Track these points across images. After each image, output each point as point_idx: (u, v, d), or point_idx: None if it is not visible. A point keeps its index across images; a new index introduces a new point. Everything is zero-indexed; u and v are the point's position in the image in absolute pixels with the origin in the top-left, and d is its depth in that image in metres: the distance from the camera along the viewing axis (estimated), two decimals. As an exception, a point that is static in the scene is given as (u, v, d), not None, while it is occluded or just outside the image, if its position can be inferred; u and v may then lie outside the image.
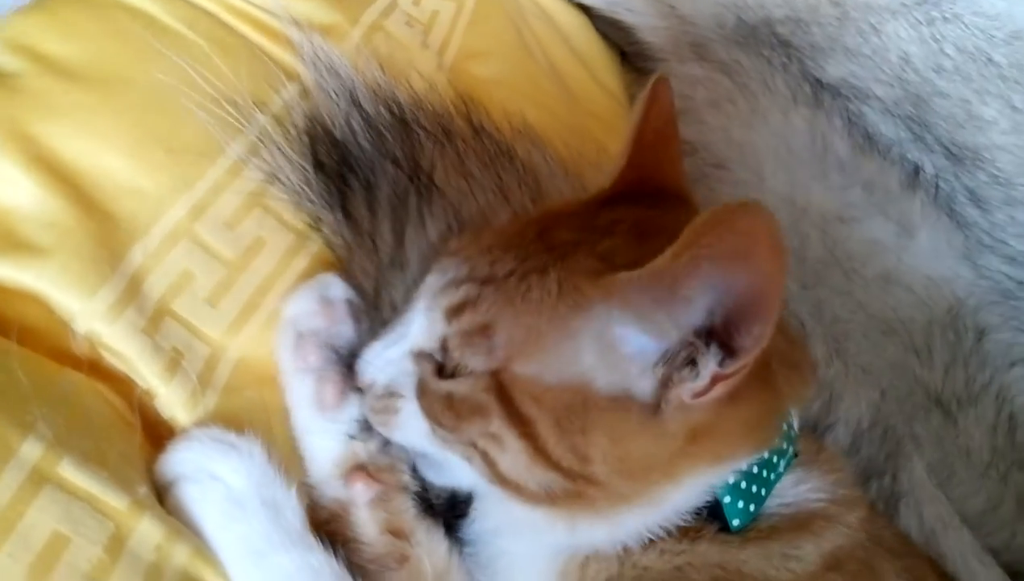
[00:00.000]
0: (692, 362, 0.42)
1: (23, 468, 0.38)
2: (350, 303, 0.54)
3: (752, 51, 0.83)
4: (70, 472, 0.39)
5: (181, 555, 0.42)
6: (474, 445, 0.45)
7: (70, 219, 0.48)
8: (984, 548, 0.66)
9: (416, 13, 0.77)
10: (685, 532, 0.46)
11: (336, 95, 0.64)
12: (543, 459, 0.43)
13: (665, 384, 0.43)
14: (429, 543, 0.50)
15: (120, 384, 0.48)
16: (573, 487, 0.44)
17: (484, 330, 0.45)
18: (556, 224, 0.50)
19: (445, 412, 0.45)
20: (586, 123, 0.85)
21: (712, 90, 0.84)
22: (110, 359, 0.47)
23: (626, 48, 0.99)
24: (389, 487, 0.51)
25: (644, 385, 0.43)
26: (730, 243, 0.38)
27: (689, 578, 0.46)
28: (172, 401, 0.48)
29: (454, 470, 0.49)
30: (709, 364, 0.42)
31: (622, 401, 0.43)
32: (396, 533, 0.50)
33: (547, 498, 0.44)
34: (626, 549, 0.46)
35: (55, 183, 0.49)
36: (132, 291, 0.49)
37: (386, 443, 0.52)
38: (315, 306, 0.53)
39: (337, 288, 0.55)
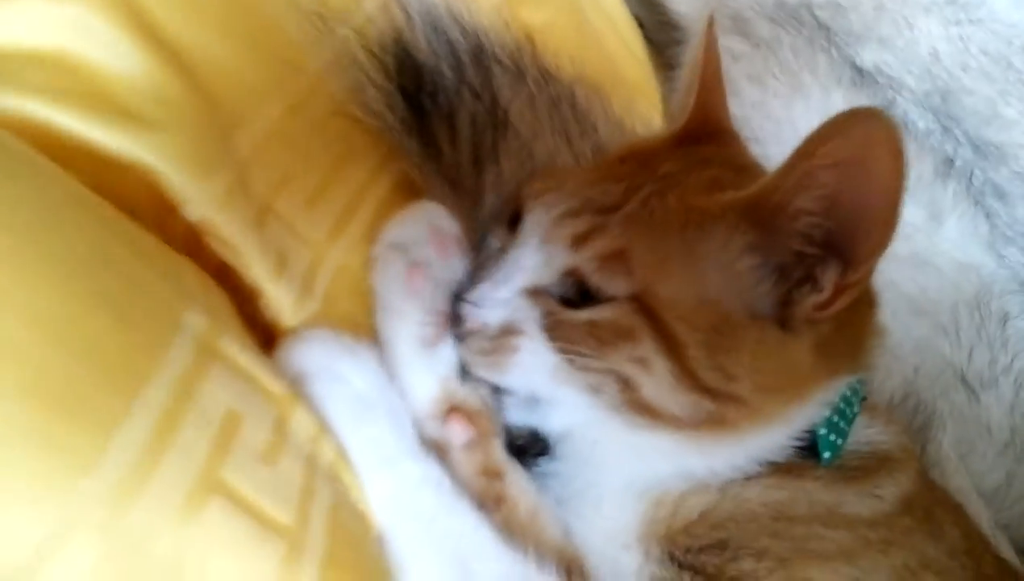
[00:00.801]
0: (810, 277, 0.44)
1: (191, 338, 0.34)
2: (458, 238, 0.51)
3: (793, 29, 0.84)
4: (232, 350, 0.36)
5: (329, 452, 0.39)
6: (614, 372, 0.44)
7: (180, 95, 0.44)
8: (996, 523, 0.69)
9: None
10: (788, 470, 0.47)
11: (418, 16, 0.61)
12: (689, 380, 0.43)
13: (787, 301, 0.44)
14: (520, 483, 0.49)
15: (223, 279, 0.44)
16: (716, 409, 0.44)
17: (619, 255, 0.45)
18: (654, 158, 0.52)
19: (586, 340, 0.44)
20: (617, 82, 0.84)
21: (752, 65, 0.85)
22: (219, 249, 0.43)
23: (648, 21, 1.00)
24: (483, 430, 0.49)
25: (767, 303, 0.44)
26: (847, 151, 0.40)
27: (789, 511, 0.46)
28: (278, 302, 0.44)
29: (559, 408, 0.48)
30: (830, 276, 0.43)
31: (757, 319, 0.44)
32: (491, 475, 0.48)
33: (687, 422, 0.44)
34: (728, 482, 0.46)
35: (163, 56, 0.44)
36: (242, 180, 0.45)
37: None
38: (426, 234, 0.49)
39: (447, 220, 0.51)
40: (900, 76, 0.82)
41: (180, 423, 0.31)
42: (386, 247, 0.49)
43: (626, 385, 0.44)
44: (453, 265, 0.51)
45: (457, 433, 0.48)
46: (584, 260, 0.46)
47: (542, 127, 0.65)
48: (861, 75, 0.82)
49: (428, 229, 0.50)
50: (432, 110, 0.59)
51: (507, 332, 0.47)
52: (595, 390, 0.45)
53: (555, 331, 0.46)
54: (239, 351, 0.36)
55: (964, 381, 0.71)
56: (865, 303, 0.49)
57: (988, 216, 0.76)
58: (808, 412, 0.47)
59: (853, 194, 0.41)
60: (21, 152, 0.35)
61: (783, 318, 0.45)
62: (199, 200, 0.43)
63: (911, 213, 0.76)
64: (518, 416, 0.50)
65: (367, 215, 0.52)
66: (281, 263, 0.45)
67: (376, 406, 0.43)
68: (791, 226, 0.43)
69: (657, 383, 0.43)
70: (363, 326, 0.49)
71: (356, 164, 0.53)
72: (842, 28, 0.84)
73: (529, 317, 0.46)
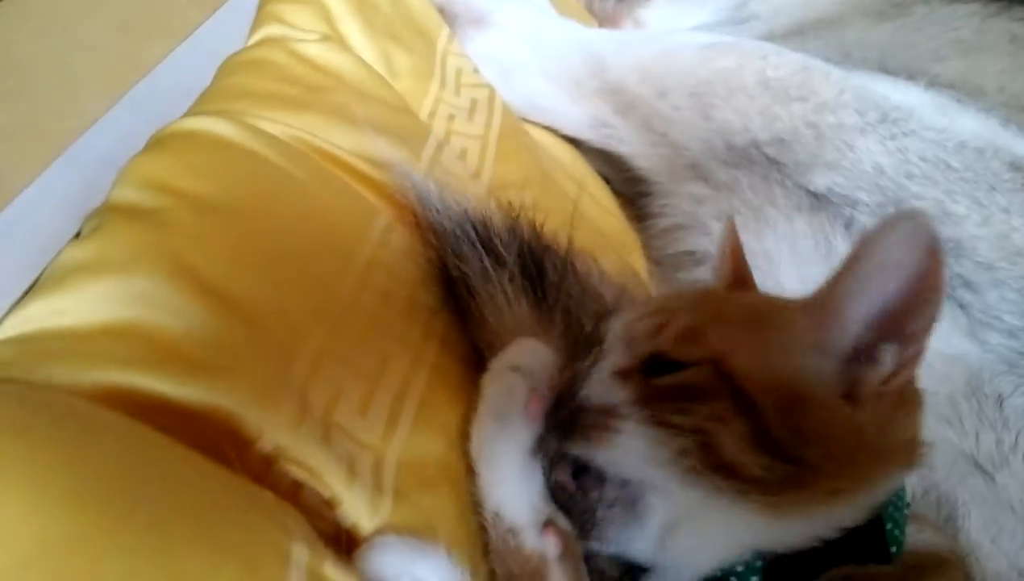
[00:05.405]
0: (873, 357, 0.48)
1: (303, 570, 0.38)
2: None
3: (746, 169, 0.92)
4: (335, 573, 0.39)
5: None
6: (699, 430, 0.46)
7: (240, 338, 0.50)
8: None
9: (457, 146, 0.83)
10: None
11: (449, 219, 0.67)
12: (765, 440, 0.46)
13: (854, 380, 0.48)
14: None
15: (294, 495, 0.48)
16: (792, 472, 0.46)
17: (692, 331, 0.50)
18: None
19: (674, 402, 0.47)
20: (602, 241, 0.91)
21: (717, 205, 0.92)
22: (293, 471, 0.47)
23: (614, 177, 1.08)
24: (570, 548, 0.50)
25: (834, 382, 0.48)
26: (890, 248, 0.46)
27: None
28: (356, 507, 0.48)
29: (653, 493, 0.49)
30: (889, 353, 0.48)
31: (829, 394, 0.48)
32: None
33: (766, 484, 0.46)
34: None
35: (220, 307, 0.50)
36: (303, 404, 0.50)
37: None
38: (543, 367, 0.54)
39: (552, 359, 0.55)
40: (852, 193, 0.89)
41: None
42: (509, 367, 0.54)
43: (709, 446, 0.46)
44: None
45: (553, 544, 0.50)
46: (663, 341, 0.50)
47: (574, 298, 0.71)
48: (817, 198, 0.89)
49: (543, 362, 0.55)
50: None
51: (606, 411, 0.50)
52: (684, 454, 0.47)
53: (646, 401, 0.49)
54: (340, 573, 0.40)
55: (977, 465, 0.75)
56: (914, 399, 0.52)
57: (963, 307, 0.82)
58: (872, 497, 0.49)
59: (900, 284, 0.46)
60: (114, 422, 0.40)
61: (851, 394, 0.48)
62: (272, 431, 0.47)
63: (891, 317, 0.82)
64: (614, 526, 0.50)
65: (411, 410, 0.56)
66: (351, 470, 0.49)
67: None
68: (846, 325, 0.48)
69: (736, 441, 0.46)
70: (437, 517, 0.52)
71: (393, 367, 0.58)
72: (790, 160, 0.92)
73: (624, 398, 0.50)
